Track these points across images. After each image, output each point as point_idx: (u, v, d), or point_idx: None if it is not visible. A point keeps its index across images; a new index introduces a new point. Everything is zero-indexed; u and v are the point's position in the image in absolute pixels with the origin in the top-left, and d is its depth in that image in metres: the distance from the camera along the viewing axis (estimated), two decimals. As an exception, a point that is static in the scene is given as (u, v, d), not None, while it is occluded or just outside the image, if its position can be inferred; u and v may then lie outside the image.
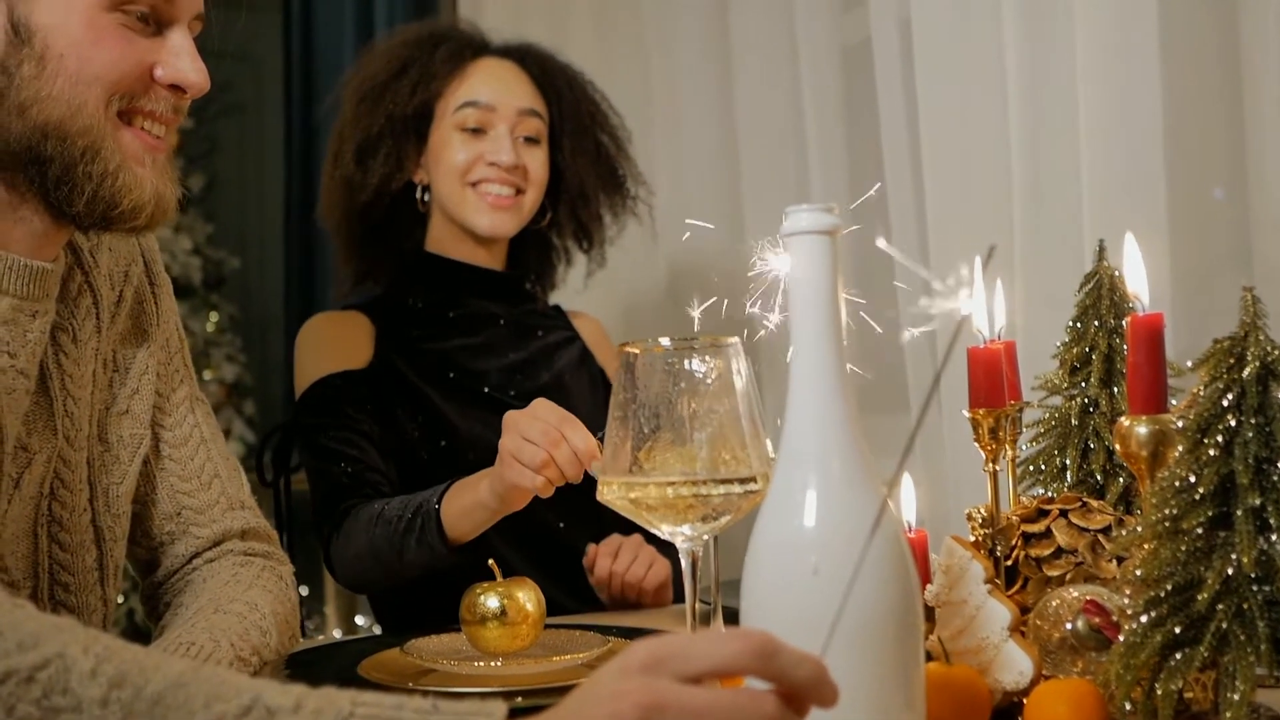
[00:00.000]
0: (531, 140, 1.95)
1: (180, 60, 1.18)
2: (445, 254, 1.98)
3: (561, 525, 1.87)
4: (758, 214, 2.47)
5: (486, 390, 1.91)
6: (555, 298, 2.17)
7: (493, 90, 1.94)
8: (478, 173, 1.91)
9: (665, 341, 0.95)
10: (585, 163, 2.02)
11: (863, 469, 0.84)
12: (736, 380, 0.94)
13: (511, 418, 1.40)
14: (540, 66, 2.01)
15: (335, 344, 1.90)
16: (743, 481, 0.93)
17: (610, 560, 1.74)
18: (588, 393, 1.98)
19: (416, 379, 1.89)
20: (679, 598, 1.81)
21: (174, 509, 1.35)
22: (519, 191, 1.94)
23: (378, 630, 2.05)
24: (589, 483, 1.87)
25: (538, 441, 1.36)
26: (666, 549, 1.78)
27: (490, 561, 1.28)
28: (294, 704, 0.76)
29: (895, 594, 0.83)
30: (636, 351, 0.96)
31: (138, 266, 1.37)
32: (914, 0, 2.04)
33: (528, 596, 1.23)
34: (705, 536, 0.96)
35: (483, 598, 1.22)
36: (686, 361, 0.94)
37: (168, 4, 1.17)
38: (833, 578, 0.80)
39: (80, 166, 1.14)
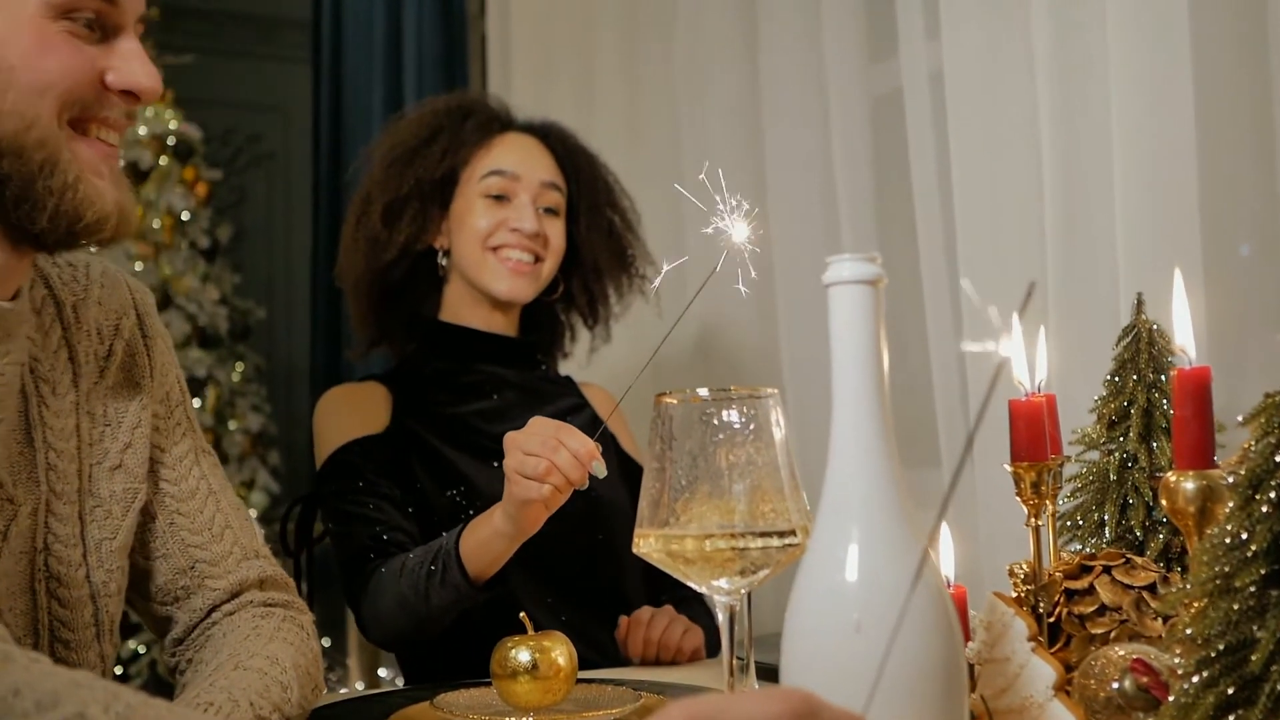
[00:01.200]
0: (551, 211, 2.01)
1: (131, 65, 1.16)
2: (460, 320, 2.02)
3: (586, 580, 1.87)
4: (787, 266, 2.47)
5: (495, 446, 1.92)
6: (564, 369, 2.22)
7: (518, 161, 2.00)
8: (499, 238, 1.96)
9: (703, 392, 0.94)
10: (599, 238, 2.08)
11: (905, 524, 0.82)
12: (775, 431, 0.93)
13: (510, 437, 1.46)
14: (562, 144, 2.08)
15: (352, 411, 1.93)
16: (781, 535, 0.92)
17: (643, 630, 1.74)
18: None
19: (435, 441, 1.91)
20: (711, 653, 1.80)
21: (187, 563, 1.33)
22: (538, 259, 1.99)
23: (400, 683, 2.04)
24: (616, 537, 1.89)
25: (537, 451, 1.42)
26: (694, 613, 1.79)
27: (522, 615, 1.27)
28: None
29: (939, 652, 0.81)
30: (674, 402, 0.94)
31: (129, 320, 1.35)
32: (945, 51, 2.04)
33: (560, 651, 1.21)
34: (743, 590, 0.94)
35: (514, 651, 1.21)
36: (724, 412, 0.93)
37: (112, 8, 1.15)
38: (875, 634, 0.78)
39: (39, 181, 1.12)
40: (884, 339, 0.84)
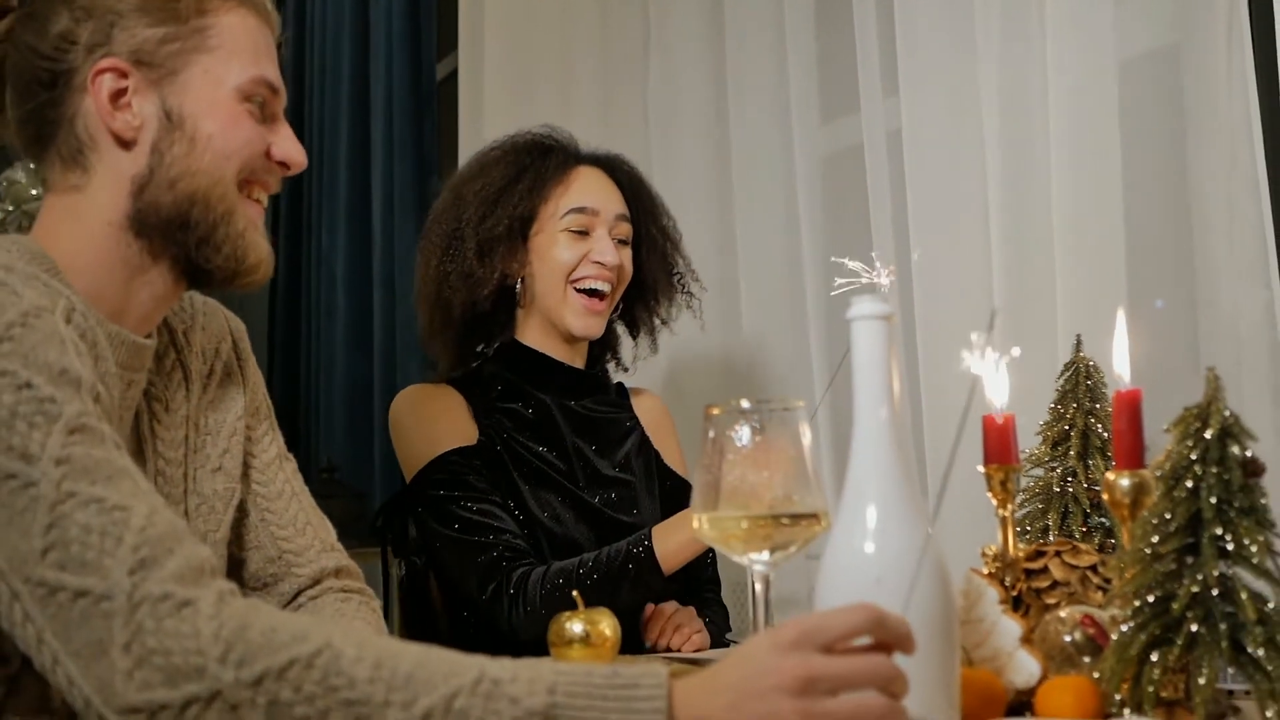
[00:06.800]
0: (623, 242, 2.19)
1: (289, 143, 1.43)
2: (533, 346, 2.18)
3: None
4: (754, 306, 2.71)
5: (557, 476, 2.11)
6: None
7: (595, 197, 2.17)
8: (582, 270, 2.13)
9: (745, 404, 1.17)
10: (656, 260, 2.25)
11: (913, 506, 1.07)
12: (803, 436, 1.16)
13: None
14: (627, 177, 2.25)
15: (444, 419, 2.10)
16: (807, 518, 1.15)
17: (663, 618, 1.99)
18: (642, 475, 2.21)
19: (507, 461, 2.08)
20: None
21: (276, 553, 1.54)
22: (611, 290, 2.16)
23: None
24: None
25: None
26: (713, 614, 2.10)
27: (575, 593, 1.50)
28: (511, 675, 0.97)
29: (939, 608, 1.06)
30: (720, 413, 1.18)
31: (227, 343, 1.57)
32: (904, 110, 2.30)
33: (606, 623, 1.45)
34: (777, 562, 1.18)
35: (569, 624, 1.44)
36: (762, 420, 1.16)
37: (275, 96, 1.42)
38: (892, 585, 1.02)
39: (221, 228, 1.36)
40: (896, 360, 1.08)
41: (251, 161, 1.39)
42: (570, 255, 2.13)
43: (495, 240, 2.12)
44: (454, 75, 3.73)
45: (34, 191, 4.03)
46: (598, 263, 2.13)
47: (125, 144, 1.35)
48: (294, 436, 5.15)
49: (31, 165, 4.06)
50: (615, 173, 2.23)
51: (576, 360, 2.21)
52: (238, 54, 1.37)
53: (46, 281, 1.26)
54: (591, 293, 2.14)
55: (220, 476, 1.50)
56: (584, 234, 2.14)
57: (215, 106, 1.36)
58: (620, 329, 2.32)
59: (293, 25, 5.02)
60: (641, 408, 2.30)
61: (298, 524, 1.56)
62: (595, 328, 2.16)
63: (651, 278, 2.25)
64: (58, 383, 1.14)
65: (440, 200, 2.24)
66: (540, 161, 2.17)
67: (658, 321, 2.30)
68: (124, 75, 1.34)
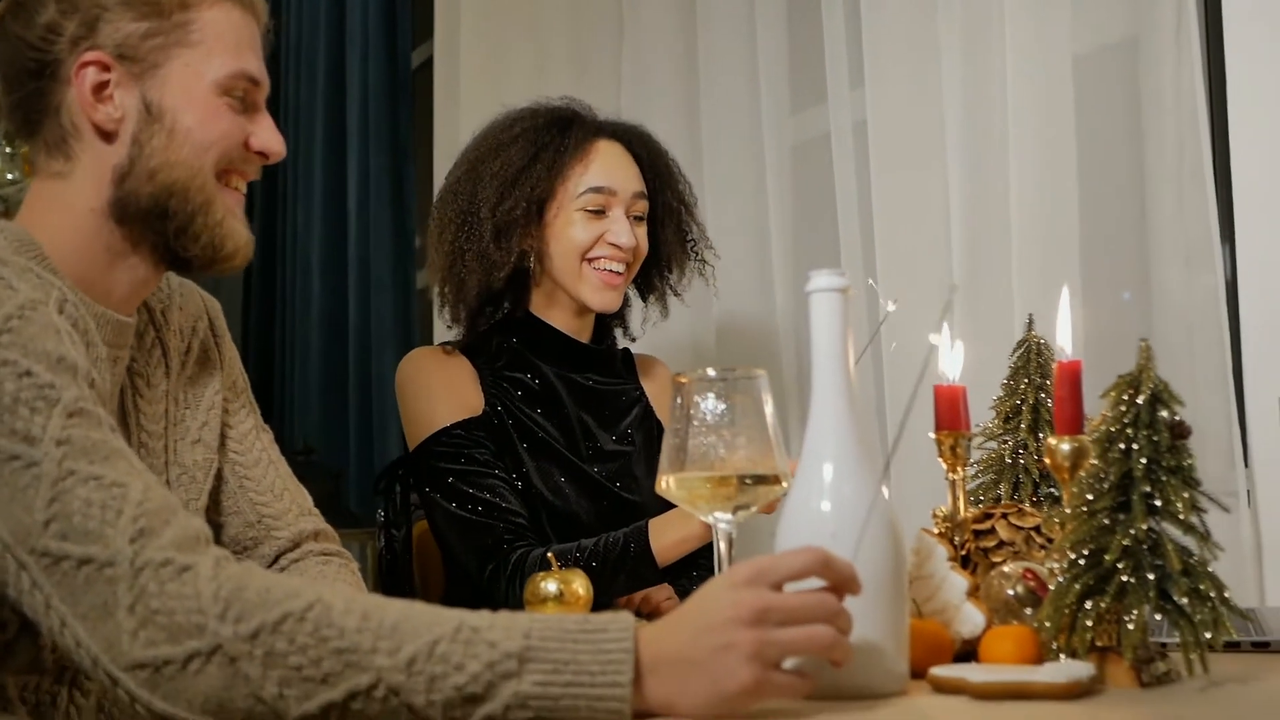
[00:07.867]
0: (639, 219, 2.18)
1: (268, 133, 1.48)
2: (545, 319, 2.19)
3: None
4: (724, 286, 2.78)
5: (560, 448, 2.14)
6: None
7: (612, 175, 2.15)
8: (597, 250, 2.13)
9: (711, 372, 1.24)
10: (671, 234, 2.25)
11: (866, 466, 1.14)
12: (765, 403, 1.24)
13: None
14: (645, 149, 2.24)
15: (450, 387, 2.13)
16: (768, 479, 1.23)
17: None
18: (643, 446, 2.24)
19: (512, 432, 2.11)
20: None
21: (254, 518, 1.60)
22: (627, 267, 2.17)
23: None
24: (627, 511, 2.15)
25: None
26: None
27: (549, 554, 1.57)
28: (489, 623, 1.04)
29: (889, 562, 1.13)
30: (687, 381, 1.25)
31: (203, 322, 1.63)
32: (870, 101, 2.39)
33: (579, 582, 1.53)
34: (738, 521, 1.25)
35: (543, 583, 1.52)
36: (727, 387, 1.24)
37: (256, 88, 1.47)
38: (846, 543, 1.10)
39: (199, 218, 1.42)
40: (850, 331, 1.16)
41: (230, 152, 1.44)
42: (586, 235, 2.13)
43: (512, 224, 2.11)
44: (429, 63, 3.78)
45: (10, 176, 4.07)
46: (613, 244, 2.13)
47: (107, 135, 1.40)
48: (269, 419, 5.13)
49: (8, 150, 4.10)
50: (634, 145, 2.22)
51: (585, 332, 2.22)
52: (219, 48, 1.42)
53: (39, 273, 1.33)
54: (608, 270, 2.14)
55: (199, 448, 1.56)
56: (600, 213, 2.14)
57: (194, 100, 1.41)
58: (630, 292, 2.31)
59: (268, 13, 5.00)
60: (648, 377, 2.33)
61: (275, 490, 1.63)
62: (613, 302, 2.17)
63: (667, 250, 2.26)
64: (56, 370, 1.20)
65: (457, 168, 2.22)
66: (559, 139, 2.15)
67: (669, 289, 2.30)
68: (107, 69, 1.39)
